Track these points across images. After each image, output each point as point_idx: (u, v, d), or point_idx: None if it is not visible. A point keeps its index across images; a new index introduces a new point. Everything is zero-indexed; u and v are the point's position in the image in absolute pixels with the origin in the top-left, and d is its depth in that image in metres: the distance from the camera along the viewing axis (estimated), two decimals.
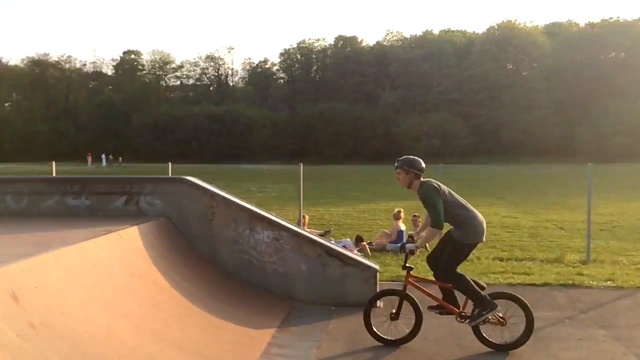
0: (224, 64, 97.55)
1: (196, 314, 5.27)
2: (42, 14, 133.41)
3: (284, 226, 6.79)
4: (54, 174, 10.62)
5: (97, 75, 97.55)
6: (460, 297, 5.24)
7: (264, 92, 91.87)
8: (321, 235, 8.84)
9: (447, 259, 5.09)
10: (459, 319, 5.13)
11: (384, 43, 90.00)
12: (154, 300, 5.06)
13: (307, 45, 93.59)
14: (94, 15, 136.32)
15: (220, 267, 6.71)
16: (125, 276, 5.13)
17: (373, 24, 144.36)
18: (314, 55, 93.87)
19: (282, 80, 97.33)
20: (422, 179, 5.21)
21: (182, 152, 70.21)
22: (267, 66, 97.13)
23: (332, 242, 8.11)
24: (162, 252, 6.09)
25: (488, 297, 5.00)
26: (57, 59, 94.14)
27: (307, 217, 11.42)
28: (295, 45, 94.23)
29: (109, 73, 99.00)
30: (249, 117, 79.74)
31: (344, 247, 7.96)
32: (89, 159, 61.33)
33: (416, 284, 5.28)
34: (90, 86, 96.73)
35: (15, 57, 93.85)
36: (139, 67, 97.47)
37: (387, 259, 9.37)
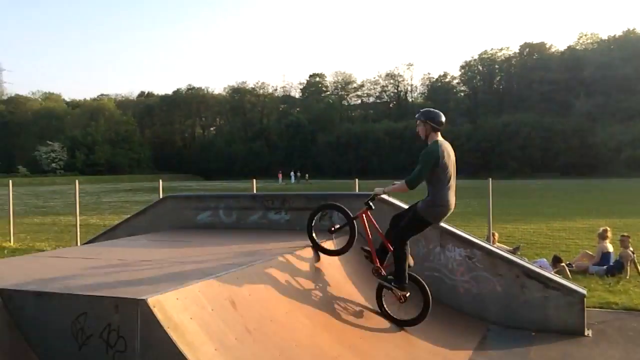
0: (403, 80, 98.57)
1: (390, 330, 5.31)
2: (240, 48, 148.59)
3: (477, 244, 6.53)
4: (255, 191, 11.66)
5: (287, 98, 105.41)
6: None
7: (444, 106, 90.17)
8: (511, 252, 8.34)
9: (403, 226, 5.37)
10: (373, 272, 5.57)
11: (577, 47, 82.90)
12: (351, 314, 5.21)
13: (489, 55, 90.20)
14: (284, 44, 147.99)
15: None
16: (323, 289, 5.37)
17: (563, 28, 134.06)
18: (496, 66, 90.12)
19: (462, 94, 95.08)
20: (438, 138, 5.28)
21: (364, 168, 72.21)
22: (446, 80, 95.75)
23: (525, 261, 7.59)
24: (356, 267, 6.26)
25: (407, 277, 5.36)
26: (253, 86, 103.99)
27: (496, 234, 10.88)
28: (476, 57, 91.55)
29: (297, 96, 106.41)
30: None
31: (540, 267, 7.39)
32: (280, 176, 66.21)
33: (365, 220, 5.63)
34: (281, 109, 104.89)
35: (219, 86, 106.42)
36: (323, 88, 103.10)
37: (591, 283, 8.47)
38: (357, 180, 12.59)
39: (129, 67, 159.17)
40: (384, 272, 5.48)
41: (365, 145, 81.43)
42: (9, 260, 5.76)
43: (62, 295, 3.92)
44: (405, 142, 78.66)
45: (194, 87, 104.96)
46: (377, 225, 5.73)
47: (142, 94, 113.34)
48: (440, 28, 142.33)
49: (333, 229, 5.89)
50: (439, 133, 5.33)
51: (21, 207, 18.61)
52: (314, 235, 5.87)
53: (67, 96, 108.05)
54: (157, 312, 3.61)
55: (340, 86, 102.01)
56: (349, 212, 5.80)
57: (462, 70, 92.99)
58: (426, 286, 5.49)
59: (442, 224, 6.83)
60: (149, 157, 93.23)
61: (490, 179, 9.94)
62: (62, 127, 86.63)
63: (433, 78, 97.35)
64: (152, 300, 3.63)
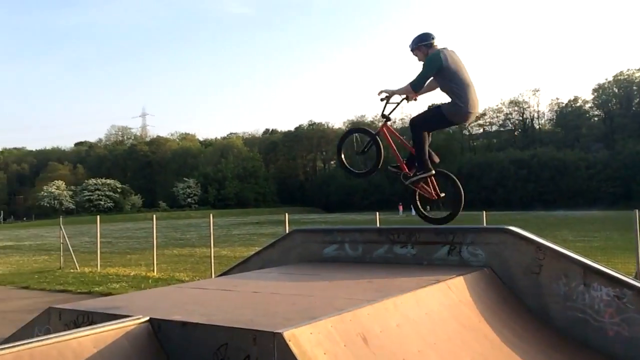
0: (528, 107, 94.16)
1: None
2: (359, 82, 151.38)
3: (626, 282, 5.92)
4: (378, 224, 11.63)
5: (407, 130, 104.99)
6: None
7: (576, 133, 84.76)
8: None
9: (422, 115, 5.88)
10: (403, 178, 5.98)
11: None
12: (487, 356, 4.93)
13: (626, 77, 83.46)
14: (401, 76, 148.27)
15: (551, 324, 6.19)
16: (456, 327, 5.16)
17: None
18: (634, 87, 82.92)
19: (596, 118, 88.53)
20: (436, 47, 5.65)
21: (488, 199, 69.36)
22: (577, 104, 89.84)
23: None
24: (489, 304, 5.95)
25: (429, 162, 5.77)
26: (372, 119, 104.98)
27: None
28: (610, 78, 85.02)
29: None
30: (560, 160, 74.42)
31: None
32: (400, 208, 65.60)
33: (388, 133, 6.03)
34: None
35: (338, 121, 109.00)
36: None
37: None
38: (484, 212, 12.09)
39: (255, 107, 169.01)
40: (411, 174, 5.99)
41: (489, 175, 78.35)
42: (157, 291, 6.24)
43: (205, 326, 4.14)
44: (533, 171, 74.59)
45: (314, 123, 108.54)
46: (400, 136, 6.28)
47: (266, 131, 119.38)
48: (568, 51, 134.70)
49: (361, 150, 6.42)
50: (436, 45, 5.74)
51: (162, 240, 20.29)
52: (344, 161, 6.52)
53: (201, 136, 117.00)
54: (292, 345, 3.68)
55: None
56: (371, 130, 6.29)
57: (595, 94, 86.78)
58: (456, 180, 5.92)
59: (586, 260, 6.32)
60: (273, 190, 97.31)
61: (637, 211, 9.02)
62: (196, 164, 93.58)
63: (562, 103, 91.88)
64: (287, 334, 3.71)
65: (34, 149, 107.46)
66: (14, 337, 5.59)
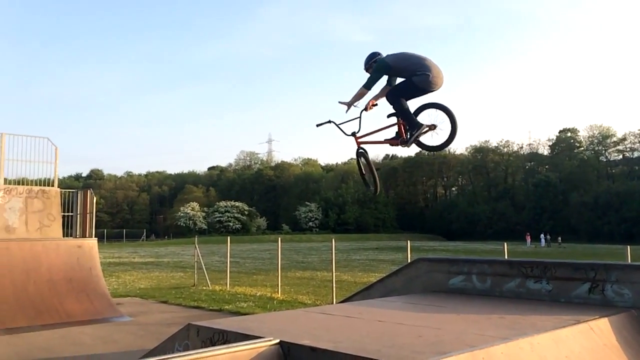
0: None
1: None
2: (483, 107, 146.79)
3: None
4: (506, 255, 11.04)
5: (533, 156, 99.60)
6: None
7: None
8: None
9: (396, 87, 6.33)
10: (400, 144, 6.30)
11: None
12: None
13: None
14: (530, 100, 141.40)
15: None
16: None
17: None
18: None
19: None
20: (378, 56, 6.35)
21: (628, 232, 63.25)
22: None
23: None
24: (638, 350, 5.38)
25: (416, 119, 6.18)
26: (497, 145, 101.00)
27: None
28: None
29: (545, 153, 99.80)
30: None
31: None
32: (528, 238, 61.91)
33: (365, 141, 6.52)
34: (527, 167, 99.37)
35: (461, 146, 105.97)
36: (576, 144, 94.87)
37: None
38: (628, 247, 11.02)
39: None
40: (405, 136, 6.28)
41: (630, 205, 71.31)
42: (285, 313, 6.44)
43: (333, 352, 4.18)
44: None
45: None
46: (374, 133, 6.53)
47: (386, 156, 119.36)
48: None
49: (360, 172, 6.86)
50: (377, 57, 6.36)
51: (285, 262, 20.98)
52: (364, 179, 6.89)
53: (323, 161, 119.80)
54: None
55: (596, 141, 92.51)
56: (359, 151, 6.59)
57: None
58: (450, 109, 6.06)
59: None
60: (393, 216, 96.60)
61: None
62: (318, 189, 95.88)
63: None
64: None
65: (173, 173, 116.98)
66: (156, 350, 6.05)
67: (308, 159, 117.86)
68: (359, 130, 6.42)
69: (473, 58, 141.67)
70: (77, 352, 9.02)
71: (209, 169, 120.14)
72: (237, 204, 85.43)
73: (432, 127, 6.17)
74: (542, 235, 60.98)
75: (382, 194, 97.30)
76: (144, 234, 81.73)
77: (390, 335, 4.85)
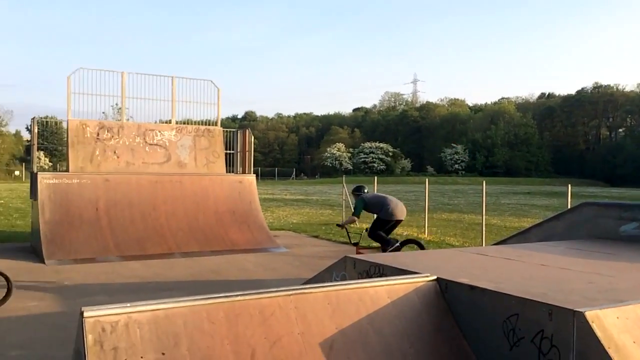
0: None
1: None
2: None
3: None
4: None
5: None
6: None
7: None
8: None
9: (372, 225, 10.25)
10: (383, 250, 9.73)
11: None
12: None
13: None
14: None
15: None
16: None
17: None
18: None
19: None
20: (362, 196, 10.34)
21: None
22: None
23: None
24: None
25: (390, 239, 9.99)
26: None
27: None
28: None
29: None
30: None
31: None
32: None
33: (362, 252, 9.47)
34: None
35: (631, 83, 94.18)
36: None
37: None
38: None
39: (530, 69, 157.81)
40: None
41: None
42: (440, 252, 6.42)
43: (494, 292, 4.08)
44: None
45: (600, 85, 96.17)
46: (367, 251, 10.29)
47: (542, 95, 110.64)
48: None
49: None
50: (360, 194, 10.47)
51: (431, 204, 20.75)
52: None
53: (471, 101, 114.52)
54: (595, 328, 3.38)
55: None
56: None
57: None
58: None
59: None
60: (547, 160, 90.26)
61: None
62: (465, 130, 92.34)
63: None
64: (590, 315, 3.42)
65: (319, 114, 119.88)
66: (315, 278, 6.40)
67: (455, 99, 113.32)
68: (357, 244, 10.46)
69: None
70: (242, 276, 9.92)
71: (354, 110, 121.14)
72: (381, 145, 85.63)
73: (398, 247, 9.83)
74: None
75: (535, 136, 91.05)
76: (294, 172, 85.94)
77: (556, 280, 4.61)
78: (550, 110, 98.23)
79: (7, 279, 7.46)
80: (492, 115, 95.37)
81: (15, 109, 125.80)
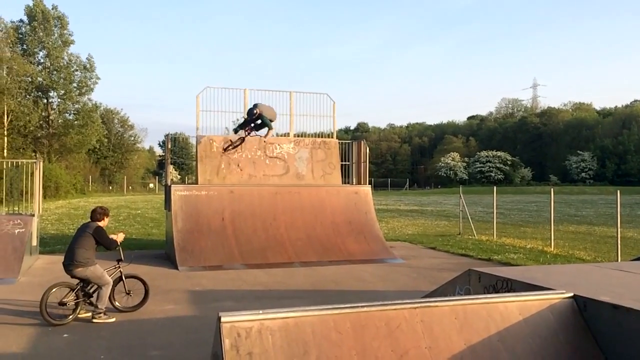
0: None
1: None
2: None
3: None
4: None
5: None
6: None
7: None
8: None
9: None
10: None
11: None
12: None
13: None
14: None
15: None
16: None
17: None
18: None
19: None
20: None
21: None
22: None
23: None
24: None
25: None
26: None
27: None
28: None
29: None
30: None
31: None
32: None
33: None
34: None
35: None
36: None
37: None
38: None
39: None
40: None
41: None
42: (574, 267, 6.00)
43: None
44: None
45: None
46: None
47: None
48: None
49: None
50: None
51: (556, 214, 19.41)
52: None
53: (598, 105, 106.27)
54: None
55: None
56: None
57: None
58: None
59: None
60: None
61: None
62: (592, 136, 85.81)
63: None
64: None
65: (432, 124, 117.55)
66: (437, 292, 6.29)
67: (580, 103, 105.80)
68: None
69: None
70: (360, 287, 9.97)
71: (469, 118, 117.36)
72: (499, 153, 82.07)
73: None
74: None
75: None
76: (407, 183, 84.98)
77: None
78: None
79: (144, 283, 8.15)
80: (623, 120, 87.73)
81: (149, 127, 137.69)
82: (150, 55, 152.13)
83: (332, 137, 15.89)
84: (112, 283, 7.65)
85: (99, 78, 51.82)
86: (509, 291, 4.92)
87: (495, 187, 20.49)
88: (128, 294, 8.00)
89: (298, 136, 15.74)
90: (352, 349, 3.72)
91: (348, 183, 15.93)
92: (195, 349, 6.22)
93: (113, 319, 7.54)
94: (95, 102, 54.87)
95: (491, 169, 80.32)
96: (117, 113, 67.95)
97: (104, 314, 7.51)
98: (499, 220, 20.04)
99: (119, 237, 7.82)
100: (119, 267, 8.01)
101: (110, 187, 61.31)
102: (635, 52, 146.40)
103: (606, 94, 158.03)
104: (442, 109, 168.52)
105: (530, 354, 3.89)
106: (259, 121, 13.65)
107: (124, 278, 8.02)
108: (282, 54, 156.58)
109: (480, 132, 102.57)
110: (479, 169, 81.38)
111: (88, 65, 51.09)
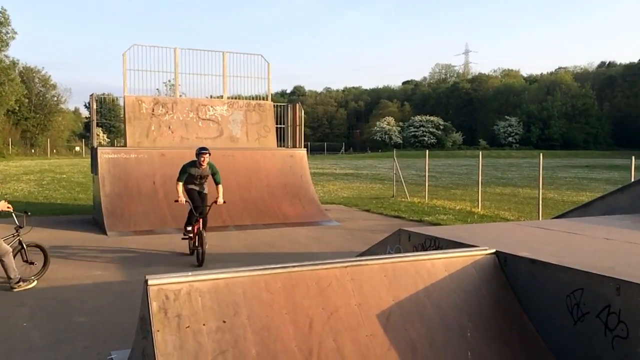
0: None
1: None
2: None
3: None
4: None
5: None
6: None
7: None
8: None
9: None
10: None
11: None
12: None
13: None
14: None
15: None
16: None
17: None
18: None
19: None
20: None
21: None
22: None
23: None
24: None
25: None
26: None
27: None
28: None
29: None
30: None
31: None
32: None
33: None
34: None
35: None
36: None
37: None
38: None
39: (589, 37, 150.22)
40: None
41: None
42: (497, 225, 6.28)
43: (556, 266, 3.96)
44: None
45: None
46: None
47: (602, 64, 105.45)
48: None
49: None
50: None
51: (483, 177, 20.28)
52: None
53: (525, 72, 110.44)
54: None
55: None
56: None
57: None
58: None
59: None
60: (607, 131, 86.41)
61: None
62: (519, 102, 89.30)
63: None
64: None
65: (368, 88, 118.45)
66: (369, 251, 6.40)
67: (508, 70, 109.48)
68: None
69: None
70: (295, 249, 10.05)
71: (403, 83, 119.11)
72: (432, 118, 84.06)
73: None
74: None
75: (594, 107, 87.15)
76: (343, 147, 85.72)
77: (623, 254, 4.43)
78: (610, 80, 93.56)
79: (43, 250, 7.75)
80: (548, 86, 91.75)
81: (73, 87, 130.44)
82: (75, 10, 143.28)
83: (267, 100, 15.66)
84: (11, 251, 7.18)
85: (15, 33, 48.33)
86: (436, 249, 5.08)
87: (427, 151, 20.99)
88: (28, 262, 7.50)
89: (232, 98, 15.40)
90: (283, 308, 3.73)
91: (283, 146, 15.83)
92: (124, 314, 6.08)
93: (34, 284, 7.23)
94: (13, 58, 51.41)
95: (424, 133, 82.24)
96: (38, 72, 63.84)
97: (22, 281, 7.17)
98: (430, 183, 20.62)
99: (1, 206, 7.11)
100: (18, 235, 7.46)
101: (33, 151, 58.11)
102: (561, 19, 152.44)
103: (533, 60, 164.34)
104: (378, 74, 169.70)
105: (454, 307, 4.05)
106: None
107: (24, 246, 7.53)
108: (215, 14, 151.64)
109: (415, 97, 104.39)
110: (412, 133, 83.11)
111: (2, 19, 47.46)
